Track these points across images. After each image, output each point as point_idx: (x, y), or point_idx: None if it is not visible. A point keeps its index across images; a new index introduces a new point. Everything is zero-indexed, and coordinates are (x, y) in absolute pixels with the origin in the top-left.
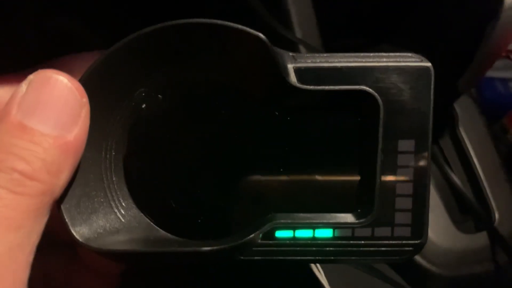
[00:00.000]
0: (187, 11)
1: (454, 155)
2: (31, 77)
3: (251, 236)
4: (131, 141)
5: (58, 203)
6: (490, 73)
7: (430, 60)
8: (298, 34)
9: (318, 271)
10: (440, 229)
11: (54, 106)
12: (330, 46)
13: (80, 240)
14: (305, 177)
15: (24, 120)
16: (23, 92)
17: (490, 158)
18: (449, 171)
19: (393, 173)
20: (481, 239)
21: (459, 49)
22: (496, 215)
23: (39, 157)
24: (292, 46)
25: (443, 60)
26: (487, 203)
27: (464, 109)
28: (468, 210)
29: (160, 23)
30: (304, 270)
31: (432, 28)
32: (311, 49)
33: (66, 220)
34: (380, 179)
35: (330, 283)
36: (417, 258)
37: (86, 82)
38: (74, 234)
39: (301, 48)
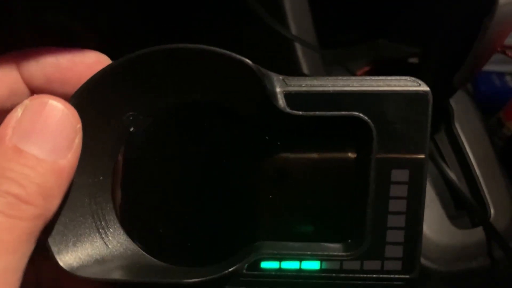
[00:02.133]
0: (182, 7)
1: (450, 150)
2: (26, 101)
3: (236, 266)
4: (119, 166)
5: (45, 230)
6: (486, 67)
7: (425, 56)
8: (294, 30)
9: None
10: (435, 224)
11: (50, 131)
12: (326, 42)
13: (65, 268)
14: (294, 203)
15: (20, 144)
16: (18, 116)
17: (486, 154)
18: (444, 166)
19: (385, 204)
20: (476, 234)
21: (455, 44)
22: (492, 211)
23: (34, 182)
24: (287, 42)
25: (439, 55)
26: (482, 198)
27: (459, 104)
28: (464, 206)
29: (156, 23)
30: None
31: (428, 23)
32: (306, 45)
33: (52, 248)
34: (372, 210)
35: None
36: None
37: (76, 105)
38: (59, 262)
39: (301, 48)
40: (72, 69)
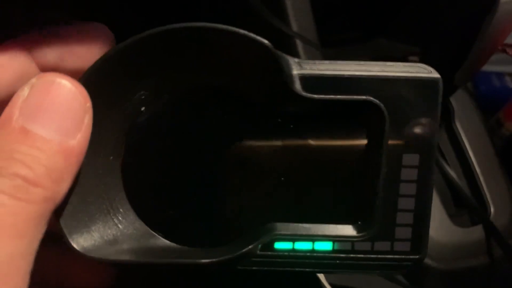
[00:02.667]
0: (182, 3)
1: (450, 149)
2: (33, 80)
3: (250, 247)
4: (129, 146)
5: (55, 211)
6: (486, 67)
7: (426, 54)
8: (294, 27)
9: None
10: (435, 223)
11: (57, 111)
12: (326, 40)
13: (78, 249)
14: (306, 186)
15: (27, 125)
16: (24, 96)
17: (486, 152)
18: (444, 164)
19: (396, 187)
20: (476, 232)
21: (455, 43)
22: (492, 209)
23: (42, 163)
24: (288, 39)
25: (439, 54)
26: (482, 197)
27: (460, 103)
28: (464, 204)
29: (156, 19)
30: None
31: (428, 22)
32: (307, 43)
33: (64, 229)
34: (382, 193)
35: (327, 278)
36: None
37: (86, 85)
38: (72, 243)
39: (302, 45)
40: (80, 42)
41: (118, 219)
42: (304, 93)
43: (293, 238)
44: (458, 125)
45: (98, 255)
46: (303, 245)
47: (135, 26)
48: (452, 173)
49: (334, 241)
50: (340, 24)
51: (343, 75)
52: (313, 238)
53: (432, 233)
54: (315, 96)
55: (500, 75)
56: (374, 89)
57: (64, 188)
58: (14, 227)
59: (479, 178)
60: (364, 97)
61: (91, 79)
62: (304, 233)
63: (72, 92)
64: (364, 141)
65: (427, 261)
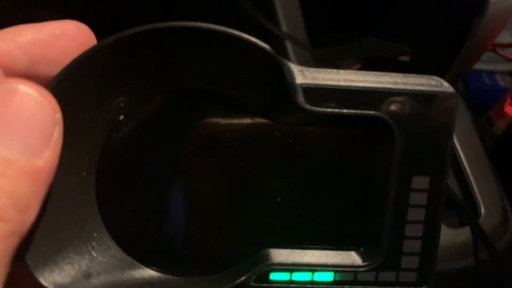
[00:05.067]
0: (171, 3)
1: None
2: None
3: (243, 278)
4: (105, 160)
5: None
6: (477, 66)
7: (416, 54)
8: (284, 27)
9: None
10: None
11: (21, 125)
12: (316, 40)
13: (48, 286)
14: (304, 207)
15: None
16: None
17: (476, 153)
18: None
19: (404, 212)
20: (467, 233)
21: (446, 43)
22: (482, 210)
23: (4, 191)
24: (277, 39)
25: (429, 54)
26: (473, 197)
27: None
28: (454, 205)
29: (144, 21)
30: None
31: (418, 21)
32: (297, 43)
33: (29, 264)
34: (390, 218)
35: None
36: None
37: (55, 91)
38: (40, 280)
39: (292, 45)
40: (55, 44)
41: (91, 245)
42: (307, 106)
43: (291, 268)
44: None
45: None
46: (301, 276)
47: (126, 26)
48: None
49: (335, 272)
50: (329, 23)
51: (351, 87)
52: (312, 268)
53: None
54: (320, 109)
55: (490, 73)
56: (384, 103)
57: (31, 217)
58: None
59: (469, 179)
60: (372, 112)
61: (61, 86)
62: (302, 261)
63: (39, 101)
64: (370, 160)
65: None
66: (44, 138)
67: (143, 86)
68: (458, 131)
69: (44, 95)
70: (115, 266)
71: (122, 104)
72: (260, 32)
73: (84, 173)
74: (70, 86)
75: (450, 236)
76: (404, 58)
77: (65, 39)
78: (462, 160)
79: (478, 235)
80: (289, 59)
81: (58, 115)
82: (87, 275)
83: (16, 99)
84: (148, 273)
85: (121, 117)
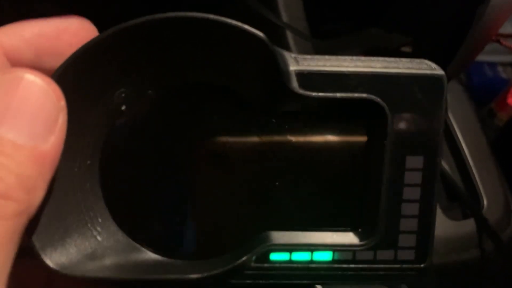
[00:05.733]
0: None
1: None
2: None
3: (244, 259)
4: (109, 148)
5: (27, 225)
6: (479, 57)
7: (418, 45)
8: (285, 18)
9: None
10: None
11: (27, 111)
12: (317, 31)
13: (53, 267)
14: (303, 190)
15: None
16: None
17: (479, 144)
18: None
19: (399, 191)
20: (469, 226)
21: (449, 34)
22: (485, 202)
23: (12, 172)
24: (278, 30)
25: (432, 45)
26: (475, 189)
27: (452, 94)
28: (457, 197)
29: (144, 14)
30: None
31: (421, 12)
32: (298, 34)
33: (36, 245)
34: (385, 198)
35: None
36: None
37: (60, 81)
38: (46, 260)
39: (293, 36)
40: (59, 38)
41: (96, 231)
42: (301, 91)
43: (290, 248)
44: (451, 117)
45: (75, 272)
46: (301, 256)
47: (126, 19)
48: (444, 165)
49: (334, 251)
50: (331, 14)
51: (343, 71)
52: (311, 247)
53: None
54: (313, 94)
55: (493, 65)
56: (376, 87)
57: (38, 199)
58: None
59: (472, 171)
60: (365, 95)
61: (65, 75)
62: (301, 242)
63: (44, 89)
64: (364, 141)
65: None
66: (49, 124)
67: (143, 77)
68: (461, 123)
69: (49, 83)
70: (119, 250)
71: (123, 95)
72: (261, 22)
73: (88, 162)
74: (73, 76)
75: (454, 228)
76: (407, 49)
77: (68, 33)
78: (464, 152)
79: (482, 227)
80: (290, 50)
81: (63, 103)
82: (92, 258)
83: (22, 87)
84: (151, 256)
85: (123, 107)
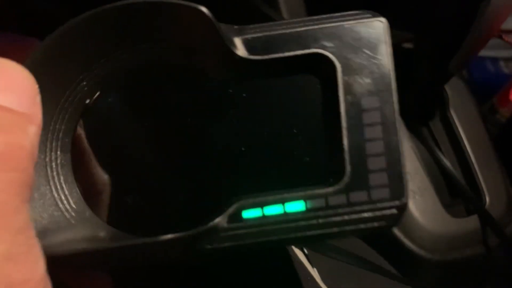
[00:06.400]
0: None
1: (445, 137)
2: None
3: (216, 220)
4: (78, 140)
5: None
6: (481, 53)
7: (420, 41)
8: (285, 14)
9: (311, 267)
10: (430, 213)
11: (14, 89)
12: None
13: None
14: (268, 153)
15: None
16: None
17: (481, 140)
18: (439, 153)
19: (361, 133)
20: (471, 222)
21: (451, 29)
22: (487, 198)
23: (19, 142)
24: None
25: (434, 41)
26: (477, 186)
27: (454, 90)
28: (459, 194)
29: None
30: (293, 266)
31: (423, 8)
32: None
33: None
34: (348, 141)
35: (321, 277)
36: (407, 243)
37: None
38: None
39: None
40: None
41: (65, 208)
42: (249, 56)
43: (262, 203)
44: (453, 113)
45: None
46: (273, 210)
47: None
48: (446, 161)
49: (306, 199)
50: (332, 9)
51: (286, 31)
52: (283, 199)
53: (427, 224)
54: (261, 57)
55: (494, 60)
56: (321, 41)
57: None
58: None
59: (474, 167)
60: (311, 50)
61: (33, 66)
62: (273, 197)
63: (24, 73)
64: (319, 94)
65: (422, 252)
66: (32, 102)
67: (100, 67)
68: (463, 119)
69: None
70: (85, 226)
71: (85, 88)
72: (261, 19)
73: (58, 152)
74: (40, 68)
75: (456, 225)
76: (408, 45)
77: (21, 54)
78: (466, 148)
79: (485, 222)
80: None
81: (37, 86)
82: (56, 230)
83: (8, 70)
84: (118, 233)
85: (87, 101)
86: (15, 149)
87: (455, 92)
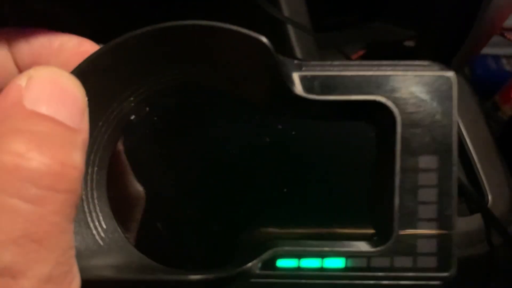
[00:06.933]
0: None
1: None
2: (31, 72)
3: (249, 265)
4: (117, 157)
5: None
6: (483, 50)
7: (422, 39)
8: (286, 12)
9: None
10: None
11: (66, 102)
12: (320, 25)
13: None
14: (311, 198)
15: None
16: (23, 85)
17: (483, 138)
18: None
19: (414, 194)
20: (474, 221)
21: (452, 27)
22: (489, 197)
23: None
24: (279, 25)
25: (436, 38)
26: (480, 184)
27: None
28: (461, 192)
29: (148, 20)
30: None
31: (425, 5)
32: (300, 28)
33: None
34: (399, 201)
35: None
36: None
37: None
38: None
39: (294, 30)
40: (60, 53)
41: (100, 236)
42: (305, 94)
43: (299, 254)
44: None
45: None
46: (310, 263)
47: (123, 15)
48: None
49: (347, 257)
50: (333, 7)
51: (348, 74)
52: (322, 254)
53: None
54: (318, 97)
55: (496, 58)
56: (383, 88)
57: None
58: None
59: (476, 165)
60: (372, 96)
61: (80, 76)
62: (311, 248)
63: (76, 83)
64: (373, 144)
65: None
66: (82, 113)
67: (152, 86)
68: (465, 117)
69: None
70: (119, 254)
71: (132, 104)
72: (262, 17)
73: (96, 168)
74: (84, 84)
75: (460, 224)
76: (410, 43)
77: (69, 51)
78: (468, 146)
79: (488, 221)
80: (291, 45)
81: (86, 99)
82: (89, 256)
83: (56, 80)
84: (150, 263)
85: (132, 117)
86: (69, 169)
87: (457, 89)
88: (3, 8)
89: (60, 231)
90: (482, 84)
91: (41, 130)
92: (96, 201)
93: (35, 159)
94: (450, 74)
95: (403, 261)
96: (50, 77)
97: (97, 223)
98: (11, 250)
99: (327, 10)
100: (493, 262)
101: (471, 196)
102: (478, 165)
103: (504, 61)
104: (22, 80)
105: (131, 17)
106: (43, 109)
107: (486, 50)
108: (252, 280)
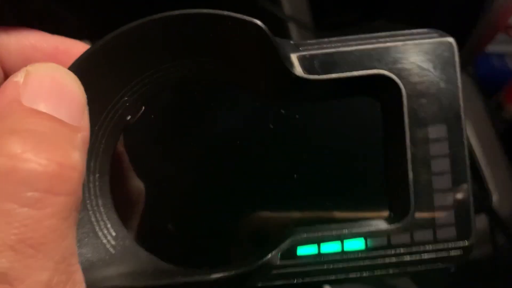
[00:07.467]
0: None
1: None
2: (29, 68)
3: (269, 256)
4: (119, 160)
5: None
6: (487, 48)
7: None
8: (287, 10)
9: None
10: None
11: (65, 99)
12: (322, 23)
13: None
14: (323, 182)
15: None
16: (20, 82)
17: (488, 137)
18: None
19: (427, 165)
20: (479, 221)
21: (457, 24)
22: (494, 196)
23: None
24: (281, 23)
25: None
26: (484, 184)
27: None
28: None
29: (144, 15)
30: None
31: (428, 3)
32: (301, 26)
33: None
34: (413, 174)
35: None
36: None
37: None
38: None
39: (296, 29)
40: (55, 57)
41: (110, 244)
42: (305, 75)
43: (318, 239)
44: None
45: (89, 281)
46: (330, 247)
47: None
48: None
49: (366, 237)
50: (336, 5)
51: (347, 50)
52: (341, 236)
53: None
54: (318, 76)
55: (500, 56)
56: (384, 61)
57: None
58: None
59: (480, 165)
60: (374, 71)
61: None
62: (330, 233)
63: (76, 80)
64: (379, 120)
65: None
66: (82, 109)
67: (147, 82)
68: (469, 115)
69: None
70: (132, 260)
71: (127, 104)
72: (263, 15)
73: (97, 175)
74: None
75: None
76: None
77: (63, 54)
78: (473, 146)
79: (493, 221)
80: None
81: (86, 96)
82: (103, 266)
83: (55, 76)
84: (165, 266)
85: (128, 117)
86: (68, 170)
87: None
88: (3, 6)
89: (59, 236)
90: (486, 83)
91: (39, 129)
92: (102, 208)
93: (31, 160)
94: (451, 39)
95: (423, 234)
96: (48, 73)
97: (106, 232)
98: (8, 256)
99: (329, 9)
100: (497, 262)
101: (476, 196)
102: (483, 165)
103: (508, 59)
104: (19, 77)
105: (131, 17)
106: (42, 107)
107: (490, 49)
108: (274, 271)
